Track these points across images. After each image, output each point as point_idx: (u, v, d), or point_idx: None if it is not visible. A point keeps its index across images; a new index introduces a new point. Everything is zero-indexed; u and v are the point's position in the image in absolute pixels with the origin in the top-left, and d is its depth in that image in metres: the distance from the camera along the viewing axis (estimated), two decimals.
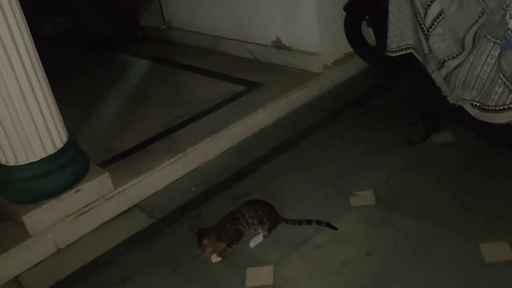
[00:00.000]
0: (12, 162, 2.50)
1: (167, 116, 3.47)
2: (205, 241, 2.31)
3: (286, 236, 2.41)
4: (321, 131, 3.23)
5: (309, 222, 2.44)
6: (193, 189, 2.90)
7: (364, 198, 2.57)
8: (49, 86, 2.55)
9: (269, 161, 3.03)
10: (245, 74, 3.88)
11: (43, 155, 2.52)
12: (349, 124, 3.25)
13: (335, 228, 2.39)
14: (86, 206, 2.67)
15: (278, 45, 3.91)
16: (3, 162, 2.51)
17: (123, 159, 3.03)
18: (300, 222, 2.44)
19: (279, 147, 3.14)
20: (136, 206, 2.82)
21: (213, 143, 3.13)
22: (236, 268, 2.29)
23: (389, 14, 2.62)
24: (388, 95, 3.50)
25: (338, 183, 2.71)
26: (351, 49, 3.73)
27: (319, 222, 2.42)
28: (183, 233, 2.55)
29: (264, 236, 2.41)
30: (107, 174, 2.73)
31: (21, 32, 2.34)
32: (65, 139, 2.63)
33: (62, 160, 2.59)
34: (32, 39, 2.42)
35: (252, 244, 2.39)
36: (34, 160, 2.50)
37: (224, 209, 2.58)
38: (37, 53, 2.46)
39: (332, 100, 3.56)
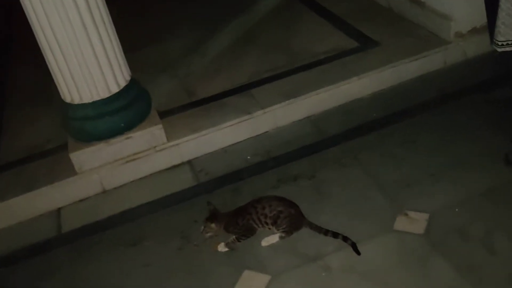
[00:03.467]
0: (68, 100, 2.55)
1: (261, 65, 3.20)
2: (211, 224, 2.16)
3: (303, 245, 2.12)
4: (417, 118, 2.68)
5: (335, 235, 2.10)
6: (248, 157, 2.68)
7: (413, 222, 2.10)
8: (110, 30, 2.47)
9: (340, 142, 2.64)
10: (367, 25, 3.36)
11: (96, 98, 2.52)
12: (454, 116, 2.64)
13: (358, 253, 2.02)
14: (135, 154, 2.65)
15: None
16: (63, 97, 2.58)
17: (192, 109, 2.91)
18: (326, 232, 2.12)
19: (358, 128, 2.71)
20: (188, 162, 2.72)
21: (288, 109, 2.81)
22: (235, 266, 2.09)
23: None
24: None
25: (395, 194, 2.26)
26: None
27: (345, 239, 2.07)
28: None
29: (280, 237, 2.15)
30: (160, 126, 2.65)
31: None
32: (122, 84, 2.58)
33: (115, 105, 2.57)
34: None
35: (264, 243, 2.16)
36: (87, 102, 2.52)
37: (263, 191, 2.38)
38: None
39: (453, 79, 2.91)
